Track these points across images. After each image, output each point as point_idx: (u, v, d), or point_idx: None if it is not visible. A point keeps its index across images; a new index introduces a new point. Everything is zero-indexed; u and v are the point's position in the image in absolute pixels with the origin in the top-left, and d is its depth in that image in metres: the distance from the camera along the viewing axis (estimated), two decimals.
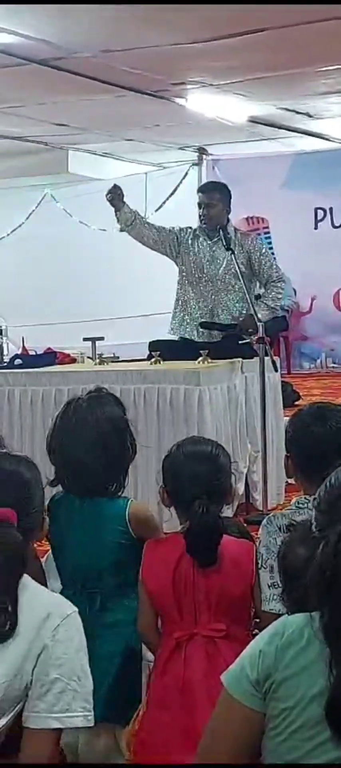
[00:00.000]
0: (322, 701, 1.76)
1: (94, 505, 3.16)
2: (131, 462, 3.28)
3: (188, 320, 6.73)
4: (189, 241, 6.73)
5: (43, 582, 3.20)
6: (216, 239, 6.62)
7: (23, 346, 7.83)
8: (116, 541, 3.09)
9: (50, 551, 3.61)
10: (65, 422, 3.23)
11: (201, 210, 6.71)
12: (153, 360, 6.27)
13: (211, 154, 12.74)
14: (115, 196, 6.69)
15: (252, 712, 1.84)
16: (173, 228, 6.84)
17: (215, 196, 6.70)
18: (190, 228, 6.83)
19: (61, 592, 3.16)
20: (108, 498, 3.18)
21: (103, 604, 3.11)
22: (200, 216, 6.75)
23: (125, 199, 6.70)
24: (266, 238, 12.24)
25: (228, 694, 1.87)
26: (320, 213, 12.19)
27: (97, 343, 7.12)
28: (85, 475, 3.15)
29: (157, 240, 6.78)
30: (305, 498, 2.91)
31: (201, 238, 6.71)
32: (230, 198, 6.79)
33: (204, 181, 12.65)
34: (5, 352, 7.85)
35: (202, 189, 7.06)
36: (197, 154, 12.78)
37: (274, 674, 1.82)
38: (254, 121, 10.80)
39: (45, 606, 2.28)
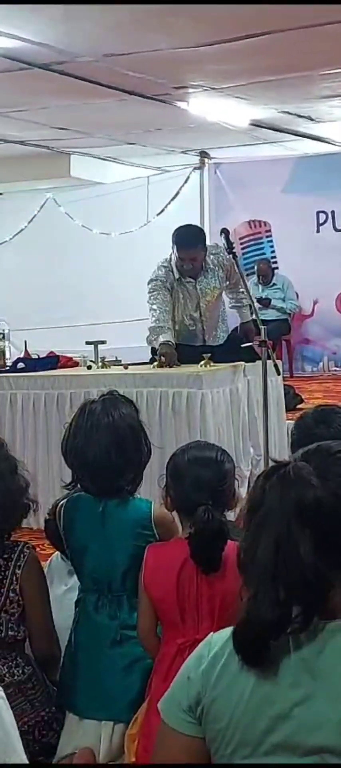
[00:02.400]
0: (252, 713, 1.71)
1: (116, 508, 3.18)
2: (147, 462, 3.30)
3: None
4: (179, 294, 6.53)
5: (45, 589, 3.21)
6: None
7: (26, 350, 7.84)
8: (141, 543, 3.09)
9: (55, 554, 3.62)
10: (80, 425, 3.24)
11: (183, 264, 6.42)
12: (155, 363, 6.28)
13: (213, 158, 12.73)
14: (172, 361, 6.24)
15: (189, 739, 1.78)
16: (161, 289, 6.55)
17: (198, 248, 6.46)
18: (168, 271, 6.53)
19: (85, 598, 3.20)
20: (128, 500, 3.20)
21: (131, 606, 3.12)
22: (183, 269, 6.44)
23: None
24: (268, 241, 12.24)
25: (165, 723, 1.82)
26: (322, 216, 12.17)
27: (100, 346, 7.11)
28: (102, 476, 3.17)
29: (170, 310, 6.56)
30: None
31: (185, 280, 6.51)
32: (205, 236, 6.68)
33: (206, 184, 12.69)
34: (8, 356, 7.86)
35: (184, 245, 6.46)
36: (199, 157, 12.77)
37: (203, 698, 1.77)
38: (256, 124, 10.80)
39: None
